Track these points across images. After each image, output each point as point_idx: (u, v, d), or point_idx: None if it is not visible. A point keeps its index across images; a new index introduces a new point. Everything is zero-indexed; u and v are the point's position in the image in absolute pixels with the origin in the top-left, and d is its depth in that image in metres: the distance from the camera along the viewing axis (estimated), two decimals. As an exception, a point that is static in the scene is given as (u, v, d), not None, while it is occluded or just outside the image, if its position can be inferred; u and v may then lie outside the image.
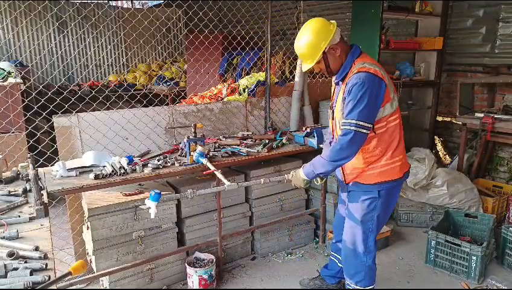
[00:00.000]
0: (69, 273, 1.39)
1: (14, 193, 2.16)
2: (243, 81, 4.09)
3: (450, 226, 3.41)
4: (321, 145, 2.91)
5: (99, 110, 2.95)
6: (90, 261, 2.68)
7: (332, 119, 2.29)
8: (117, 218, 2.59)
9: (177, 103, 4.59)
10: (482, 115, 3.93)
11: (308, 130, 3.15)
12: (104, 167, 2.53)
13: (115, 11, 8.51)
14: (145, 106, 3.38)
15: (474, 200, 3.69)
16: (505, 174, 4.35)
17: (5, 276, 1.41)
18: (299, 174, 2.28)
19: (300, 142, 3.24)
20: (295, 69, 3.89)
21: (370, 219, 2.22)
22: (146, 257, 2.73)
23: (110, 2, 9.80)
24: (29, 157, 2.06)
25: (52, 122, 2.79)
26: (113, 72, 8.42)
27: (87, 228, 2.61)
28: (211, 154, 2.85)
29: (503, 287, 2.84)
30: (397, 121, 2.14)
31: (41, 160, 2.71)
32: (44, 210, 1.91)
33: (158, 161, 2.67)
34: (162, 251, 2.81)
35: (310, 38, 2.11)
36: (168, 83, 6.55)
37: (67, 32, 7.85)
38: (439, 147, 4.98)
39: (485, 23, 4.38)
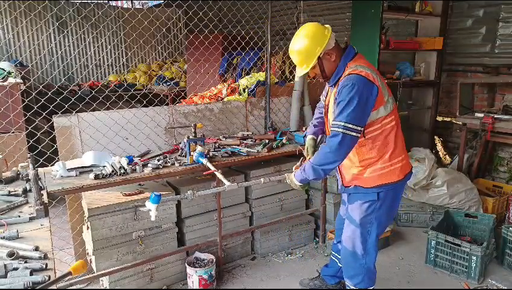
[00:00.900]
0: (69, 273, 1.39)
1: (14, 193, 2.15)
2: (243, 81, 4.09)
3: (450, 226, 3.41)
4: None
5: (99, 110, 2.95)
6: (90, 261, 2.68)
7: (326, 117, 2.28)
8: (117, 218, 2.59)
9: (177, 103, 4.59)
10: (482, 115, 3.93)
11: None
12: (104, 167, 2.53)
13: (115, 11, 8.51)
14: (145, 106, 3.38)
15: (474, 200, 3.69)
16: (505, 174, 4.35)
17: (5, 276, 1.41)
18: (294, 181, 2.25)
19: (300, 142, 3.24)
20: (295, 69, 3.88)
21: (369, 221, 2.21)
22: (146, 257, 2.73)
23: (110, 2, 9.82)
24: (29, 157, 2.06)
25: (52, 122, 2.79)
26: (113, 72, 8.42)
27: (87, 228, 2.61)
28: (211, 154, 2.85)
29: (503, 287, 2.84)
30: (393, 123, 2.11)
31: (41, 160, 2.71)
32: (44, 210, 1.91)
33: (158, 161, 2.67)
34: (162, 251, 2.81)
35: (305, 44, 2.08)
36: (168, 83, 6.55)
37: (67, 32, 7.85)
38: (439, 147, 4.98)
39: (485, 23, 4.38)
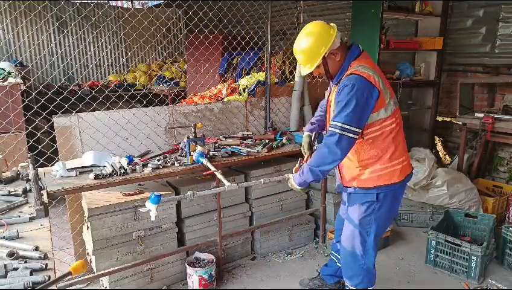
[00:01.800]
0: (69, 273, 1.39)
1: (14, 193, 2.15)
2: (243, 81, 4.09)
3: (450, 226, 3.41)
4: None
5: (99, 110, 2.95)
6: (90, 261, 2.68)
7: (328, 113, 2.26)
8: (117, 218, 2.59)
9: (177, 103, 4.59)
10: (482, 115, 3.93)
11: (308, 130, 3.15)
12: (104, 167, 2.53)
13: (115, 11, 8.51)
14: (145, 106, 3.38)
15: (474, 200, 3.69)
16: (505, 174, 4.35)
17: (5, 276, 1.41)
18: (294, 185, 2.25)
19: (300, 142, 3.22)
20: (295, 69, 3.89)
21: (368, 222, 2.20)
22: (146, 257, 2.73)
23: (110, 2, 9.81)
24: (29, 157, 2.06)
25: (52, 122, 2.79)
26: (113, 72, 8.41)
27: (87, 228, 2.61)
28: (211, 154, 2.85)
29: (503, 287, 2.84)
30: (394, 125, 2.09)
31: (41, 160, 2.71)
32: (44, 210, 1.91)
33: (158, 161, 2.67)
34: (162, 251, 2.81)
35: (310, 43, 2.07)
36: (168, 83, 6.55)
37: (67, 32, 7.85)
38: (439, 147, 4.98)
39: (485, 23, 4.38)
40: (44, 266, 1.48)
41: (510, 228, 3.05)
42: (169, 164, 2.67)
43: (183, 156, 2.83)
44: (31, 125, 2.89)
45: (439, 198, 3.71)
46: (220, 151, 2.93)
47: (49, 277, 1.41)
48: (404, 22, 4.98)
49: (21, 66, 5.22)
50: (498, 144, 4.31)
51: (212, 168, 2.50)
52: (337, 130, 1.97)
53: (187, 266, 2.83)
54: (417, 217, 3.80)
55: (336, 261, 2.62)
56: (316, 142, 2.49)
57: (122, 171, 2.47)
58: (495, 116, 3.86)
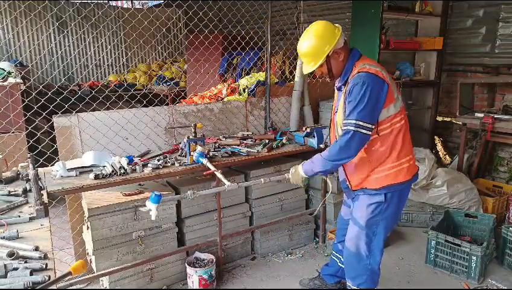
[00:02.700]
0: (69, 273, 1.39)
1: (14, 193, 2.15)
2: (243, 81, 4.09)
3: (450, 226, 3.41)
4: (321, 146, 2.91)
5: (99, 110, 2.95)
6: (90, 261, 2.68)
7: (333, 123, 2.28)
8: (117, 218, 2.59)
9: (177, 103, 4.59)
10: (482, 115, 3.93)
11: (308, 130, 3.15)
12: (104, 167, 2.53)
13: (115, 11, 8.51)
14: (145, 106, 3.38)
15: (474, 200, 3.69)
16: (505, 174, 4.35)
17: (5, 276, 1.41)
18: (298, 171, 2.25)
19: (300, 142, 3.24)
20: (295, 69, 3.89)
21: (375, 223, 2.19)
22: (146, 257, 2.73)
23: (110, 2, 9.81)
24: (29, 157, 2.06)
25: (52, 122, 2.79)
26: (113, 72, 8.41)
27: (87, 228, 2.61)
28: (211, 154, 2.84)
29: (503, 287, 2.84)
30: (402, 122, 2.11)
31: (41, 160, 2.70)
32: (44, 210, 1.91)
33: (158, 161, 2.67)
34: (162, 251, 2.81)
35: (314, 41, 2.09)
36: (168, 83, 6.55)
37: (67, 32, 7.85)
38: (439, 147, 4.98)
39: (485, 23, 4.38)
40: (44, 266, 1.48)
41: (510, 228, 3.05)
42: (169, 164, 2.67)
43: (183, 156, 2.83)
44: (31, 125, 2.89)
45: (439, 198, 3.71)
46: (220, 151, 2.93)
47: (49, 277, 1.41)
48: (404, 22, 4.98)
49: (21, 66, 5.22)
50: (498, 144, 4.31)
51: (212, 168, 2.50)
52: (352, 128, 1.98)
53: (187, 266, 2.83)
54: (417, 217, 3.80)
55: (337, 261, 2.62)
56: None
57: (122, 171, 2.47)
58: (495, 116, 3.86)
